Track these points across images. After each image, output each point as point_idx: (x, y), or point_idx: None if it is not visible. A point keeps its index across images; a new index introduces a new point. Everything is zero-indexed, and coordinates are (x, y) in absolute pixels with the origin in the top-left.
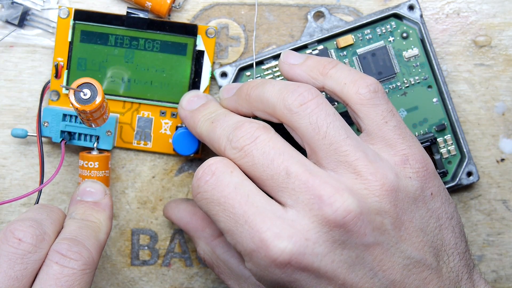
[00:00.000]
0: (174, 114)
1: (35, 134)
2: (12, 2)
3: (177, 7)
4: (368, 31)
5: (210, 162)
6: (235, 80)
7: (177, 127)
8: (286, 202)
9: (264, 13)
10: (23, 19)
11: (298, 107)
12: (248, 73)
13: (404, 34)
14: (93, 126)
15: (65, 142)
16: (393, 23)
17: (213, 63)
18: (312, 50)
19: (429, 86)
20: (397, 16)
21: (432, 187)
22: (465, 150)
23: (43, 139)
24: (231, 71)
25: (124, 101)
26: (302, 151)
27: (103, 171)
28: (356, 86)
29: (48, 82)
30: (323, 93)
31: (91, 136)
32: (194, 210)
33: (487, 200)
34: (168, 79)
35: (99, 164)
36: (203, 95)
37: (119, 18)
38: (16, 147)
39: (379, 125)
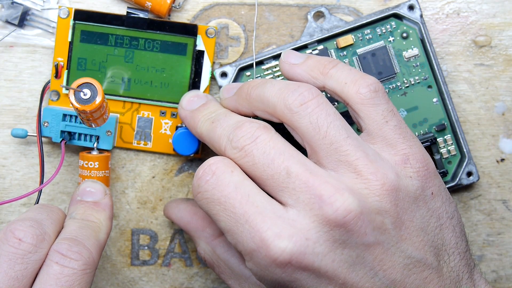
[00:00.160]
0: (174, 114)
1: (35, 134)
2: (12, 2)
3: (177, 7)
4: (368, 31)
5: (211, 161)
6: (235, 80)
7: (177, 127)
8: (286, 202)
9: (264, 13)
10: (23, 19)
11: (298, 107)
12: (248, 73)
13: (404, 34)
14: (93, 126)
15: (65, 142)
16: (393, 23)
17: (213, 63)
18: (312, 50)
19: (429, 86)
20: (397, 16)
21: (432, 186)
22: (465, 150)
23: (43, 139)
24: (231, 71)
25: (124, 101)
26: (303, 150)
27: (103, 171)
28: (357, 85)
29: (48, 82)
30: (324, 92)
31: (91, 136)
32: (194, 209)
33: (487, 200)
34: (168, 79)
35: (99, 164)
36: (203, 95)
37: (119, 18)
38: (16, 147)
39: (379, 124)
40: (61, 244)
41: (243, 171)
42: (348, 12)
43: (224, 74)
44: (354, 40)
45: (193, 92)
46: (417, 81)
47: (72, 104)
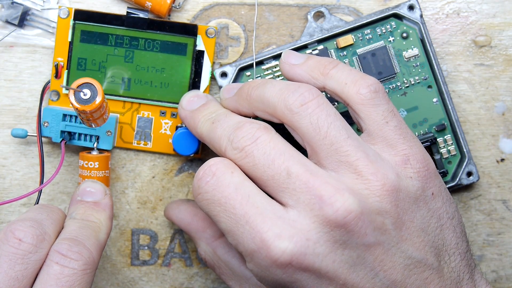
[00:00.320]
0: (174, 114)
1: (35, 134)
2: (12, 2)
3: (177, 7)
4: (368, 31)
5: (211, 162)
6: (235, 80)
7: (177, 127)
8: (287, 203)
9: (264, 13)
10: (23, 19)
11: (298, 107)
12: (248, 73)
13: (404, 34)
14: (93, 126)
15: (65, 142)
16: (393, 23)
17: (213, 63)
18: (312, 50)
19: (429, 86)
20: (397, 16)
21: (433, 187)
22: (465, 150)
23: (43, 139)
24: (231, 71)
25: (124, 101)
26: (303, 151)
27: (103, 171)
28: (357, 86)
29: (48, 82)
30: (324, 93)
31: (91, 136)
32: (195, 211)
33: (487, 200)
34: (168, 79)
35: (99, 164)
36: (203, 95)
37: (119, 18)
38: (16, 147)
39: (380, 125)
40: (62, 244)
41: (244, 172)
42: (348, 12)
43: (224, 74)
44: (354, 40)
45: (193, 92)
46: (417, 81)
47: (72, 104)
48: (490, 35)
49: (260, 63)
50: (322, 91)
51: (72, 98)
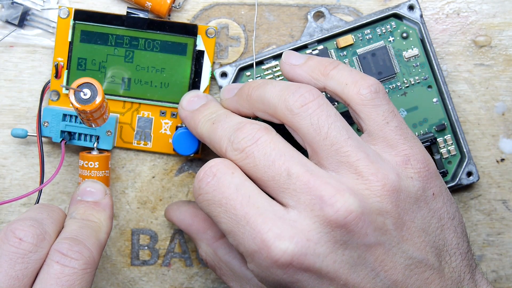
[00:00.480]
0: (174, 114)
1: (35, 134)
2: (12, 2)
3: (177, 7)
4: (368, 31)
5: (211, 163)
6: (235, 80)
7: (177, 127)
8: (287, 203)
9: (264, 13)
10: (23, 19)
11: (299, 108)
12: (248, 73)
13: (404, 34)
14: (93, 126)
15: (65, 142)
16: (393, 23)
17: (213, 63)
18: (312, 50)
19: (429, 86)
20: (397, 16)
21: (433, 187)
22: (465, 150)
23: (43, 139)
24: (231, 71)
25: (124, 101)
26: (304, 151)
27: (103, 171)
28: (358, 86)
29: (48, 82)
30: (324, 93)
31: (91, 136)
32: (195, 212)
33: (487, 200)
34: (168, 79)
35: (99, 164)
36: (203, 95)
37: (119, 18)
38: (16, 147)
39: (380, 125)
40: (62, 244)
41: (244, 172)
42: (348, 12)
43: (224, 74)
44: (354, 40)
45: (193, 92)
46: (417, 81)
47: (72, 104)
48: (490, 35)
49: (260, 63)
50: (322, 92)
51: (72, 98)
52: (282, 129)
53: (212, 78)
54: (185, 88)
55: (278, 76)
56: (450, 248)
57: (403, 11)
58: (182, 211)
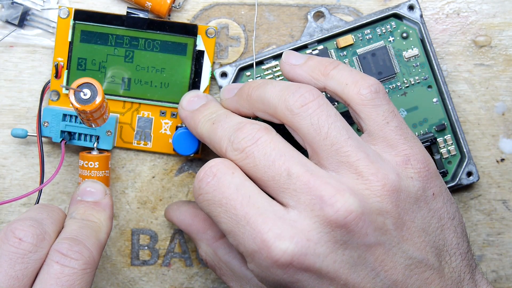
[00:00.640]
0: (174, 114)
1: (35, 134)
2: (12, 2)
3: (177, 7)
4: (368, 31)
5: (212, 163)
6: (235, 80)
7: (177, 127)
8: (287, 203)
9: (264, 13)
10: (23, 19)
11: (299, 108)
12: (248, 73)
13: (404, 34)
14: (93, 126)
15: (65, 142)
16: (393, 23)
17: (213, 63)
18: (312, 50)
19: (429, 86)
20: (397, 16)
21: (433, 187)
22: (465, 150)
23: (43, 139)
24: (231, 71)
25: (124, 101)
26: (304, 151)
27: (103, 171)
28: (358, 86)
29: (48, 82)
30: (324, 93)
31: (91, 136)
32: (195, 212)
33: (487, 200)
34: (168, 79)
35: (99, 164)
36: (203, 95)
37: (119, 18)
38: (16, 147)
39: (380, 125)
40: (62, 244)
41: (244, 172)
42: (348, 12)
43: (224, 74)
44: (354, 40)
45: (193, 92)
46: (417, 81)
47: (72, 104)
48: (490, 35)
49: (260, 63)
50: (322, 92)
51: (72, 98)
52: (282, 129)
53: (212, 78)
54: (185, 88)
55: (278, 76)
56: (450, 248)
57: (403, 11)
58: (182, 211)
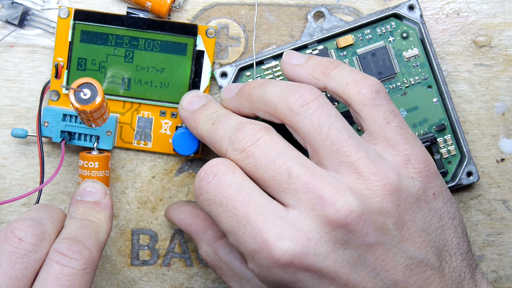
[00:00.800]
0: (174, 114)
1: (35, 134)
2: (12, 2)
3: (177, 7)
4: (368, 31)
5: (212, 163)
6: (235, 80)
7: (177, 127)
8: (288, 203)
9: (264, 13)
10: (23, 19)
11: (300, 108)
12: (248, 73)
13: (404, 34)
14: (93, 126)
15: (65, 142)
16: (393, 23)
17: (213, 63)
18: (312, 50)
19: (429, 86)
20: (397, 16)
21: (434, 187)
22: (465, 150)
23: (43, 139)
24: (231, 71)
25: (124, 101)
26: (304, 151)
27: (103, 171)
28: (358, 86)
29: (48, 82)
30: (324, 93)
31: (91, 136)
32: (195, 212)
33: (487, 200)
34: (168, 79)
35: (99, 164)
36: (204, 95)
37: (119, 18)
38: (16, 147)
39: (381, 125)
40: (62, 244)
41: (245, 172)
42: (348, 12)
43: (224, 74)
44: (354, 40)
45: (193, 92)
46: (417, 81)
47: (72, 104)
48: (490, 35)
49: (260, 63)
50: (323, 92)
51: (72, 98)
52: (282, 129)
53: (212, 78)
54: (185, 88)
55: (278, 76)
56: (451, 248)
57: (403, 11)
58: (182, 211)
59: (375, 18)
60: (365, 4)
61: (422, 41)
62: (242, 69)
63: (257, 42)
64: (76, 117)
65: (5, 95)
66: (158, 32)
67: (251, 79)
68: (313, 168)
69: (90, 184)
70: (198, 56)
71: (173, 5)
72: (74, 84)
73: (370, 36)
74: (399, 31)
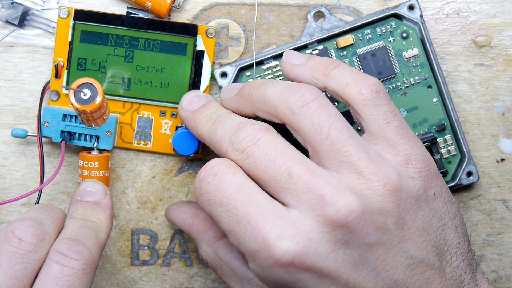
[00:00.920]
0: (174, 114)
1: (35, 134)
2: (12, 2)
3: (177, 7)
4: (368, 31)
5: (213, 163)
6: (235, 80)
7: (177, 127)
8: (288, 203)
9: (264, 13)
10: (23, 19)
11: (300, 108)
12: (248, 73)
13: (404, 34)
14: (93, 126)
15: (65, 142)
16: (393, 23)
17: (213, 63)
18: (312, 50)
19: (429, 86)
20: (397, 16)
21: (434, 187)
22: (465, 150)
23: (43, 139)
24: (231, 71)
25: (124, 101)
26: (304, 151)
27: (103, 171)
28: (358, 86)
29: (48, 82)
30: (325, 93)
31: (91, 136)
32: (196, 212)
33: (487, 200)
34: (168, 79)
35: (99, 164)
36: (204, 95)
37: (119, 18)
38: (16, 147)
39: (381, 125)
40: (62, 244)
41: (245, 172)
42: (348, 12)
43: (224, 74)
44: (354, 40)
45: (193, 92)
46: (417, 81)
47: (72, 104)
48: (490, 35)
49: (260, 63)
50: (323, 91)
51: (72, 98)
52: (282, 129)
53: (212, 78)
54: (185, 88)
55: (278, 76)
56: (451, 248)
57: (403, 11)
58: (183, 211)
59: (375, 18)
60: (365, 4)
61: (422, 41)
62: (242, 69)
63: (257, 42)
64: (76, 117)
65: (5, 95)
66: (158, 32)
67: (251, 79)
68: (313, 168)
69: (90, 184)
70: (198, 56)
71: (173, 5)
72: (74, 84)
73: (370, 36)
74: (399, 31)
